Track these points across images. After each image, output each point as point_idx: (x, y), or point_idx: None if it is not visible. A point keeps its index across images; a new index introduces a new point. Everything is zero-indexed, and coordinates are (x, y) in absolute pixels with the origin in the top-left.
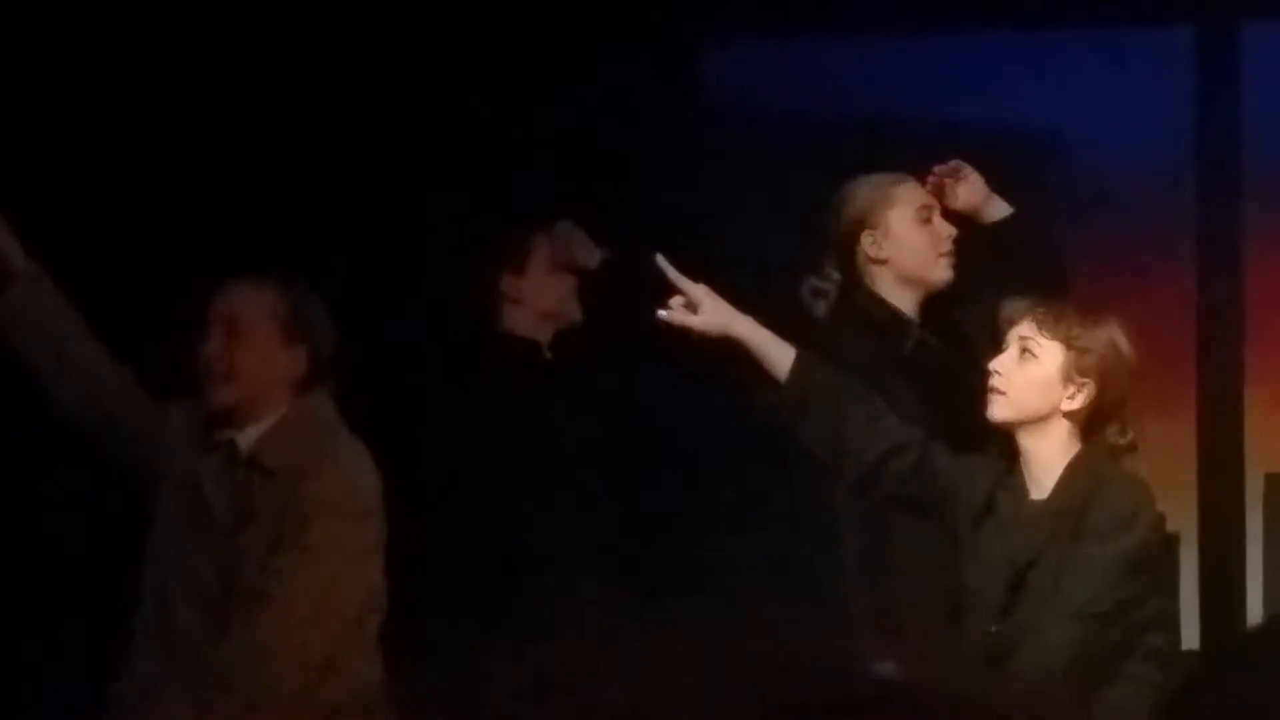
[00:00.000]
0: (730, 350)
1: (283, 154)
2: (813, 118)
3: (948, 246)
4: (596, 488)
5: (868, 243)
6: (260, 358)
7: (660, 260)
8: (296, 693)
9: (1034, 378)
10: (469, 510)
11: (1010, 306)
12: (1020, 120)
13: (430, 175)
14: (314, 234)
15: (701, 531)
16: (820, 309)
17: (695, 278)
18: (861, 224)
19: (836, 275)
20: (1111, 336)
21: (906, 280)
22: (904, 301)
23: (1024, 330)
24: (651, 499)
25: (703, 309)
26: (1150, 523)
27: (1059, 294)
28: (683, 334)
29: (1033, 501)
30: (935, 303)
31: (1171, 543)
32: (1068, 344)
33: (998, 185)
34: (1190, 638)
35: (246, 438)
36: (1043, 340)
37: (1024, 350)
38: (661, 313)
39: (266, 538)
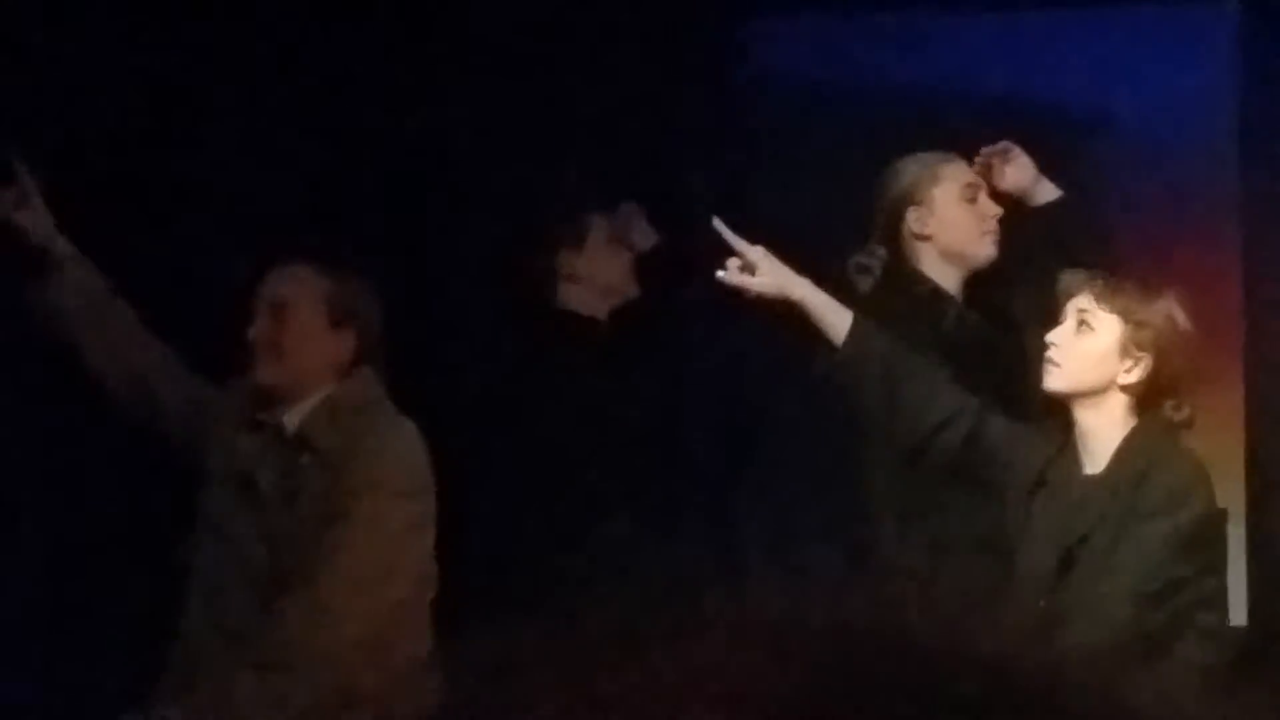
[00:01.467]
0: (787, 313)
1: (334, 134)
2: (856, 96)
3: (992, 225)
4: (652, 462)
5: (912, 218)
6: (307, 339)
7: (718, 223)
8: (346, 671)
9: (1091, 350)
10: (525, 487)
11: (1068, 279)
12: (1064, 96)
13: (487, 155)
14: (372, 213)
15: (757, 502)
16: (865, 285)
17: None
18: (907, 200)
19: (881, 252)
20: (1169, 310)
21: (950, 256)
22: (947, 278)
23: (1082, 303)
24: (707, 472)
25: (760, 271)
26: (1205, 501)
27: (1143, 288)
28: (740, 296)
29: (1086, 476)
30: (980, 282)
31: (1221, 519)
32: (1125, 317)
33: (1043, 161)
34: (1238, 614)
35: (293, 417)
36: (1100, 313)
37: (1081, 323)
38: (720, 274)
39: (314, 517)
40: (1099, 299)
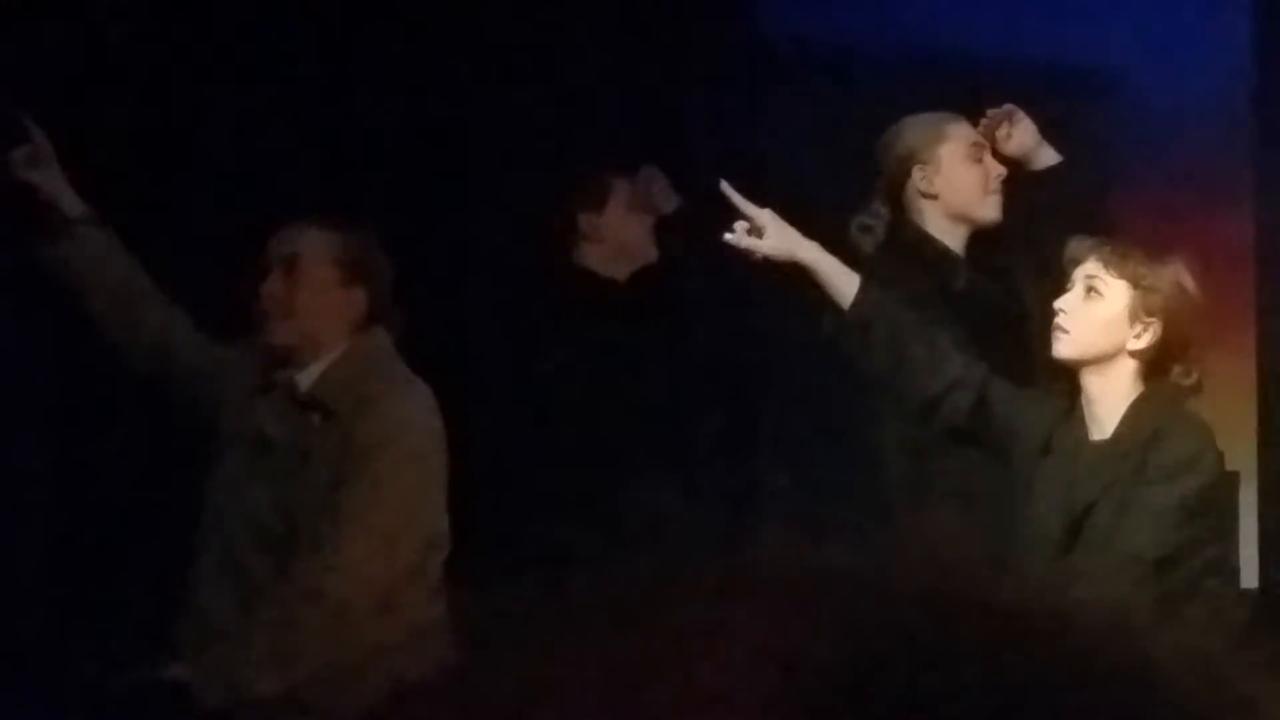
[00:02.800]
0: (795, 276)
1: (351, 93)
2: (866, 56)
3: (996, 185)
4: (666, 422)
5: (918, 177)
6: (319, 297)
7: (725, 186)
8: (357, 631)
9: (1099, 316)
10: (537, 445)
11: (1075, 245)
12: (1077, 59)
13: (507, 115)
14: (388, 170)
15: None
16: (868, 245)
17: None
18: (912, 159)
19: (884, 211)
20: (1178, 276)
21: (954, 217)
22: (951, 238)
23: (1090, 269)
24: (724, 432)
25: (768, 234)
26: (1213, 466)
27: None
28: (749, 258)
29: (1094, 442)
30: (981, 244)
31: (1231, 481)
32: (1134, 283)
33: (1054, 124)
34: (1249, 577)
35: (306, 377)
36: (1109, 279)
37: (1090, 289)
38: (727, 236)
39: (327, 476)
40: (1107, 265)
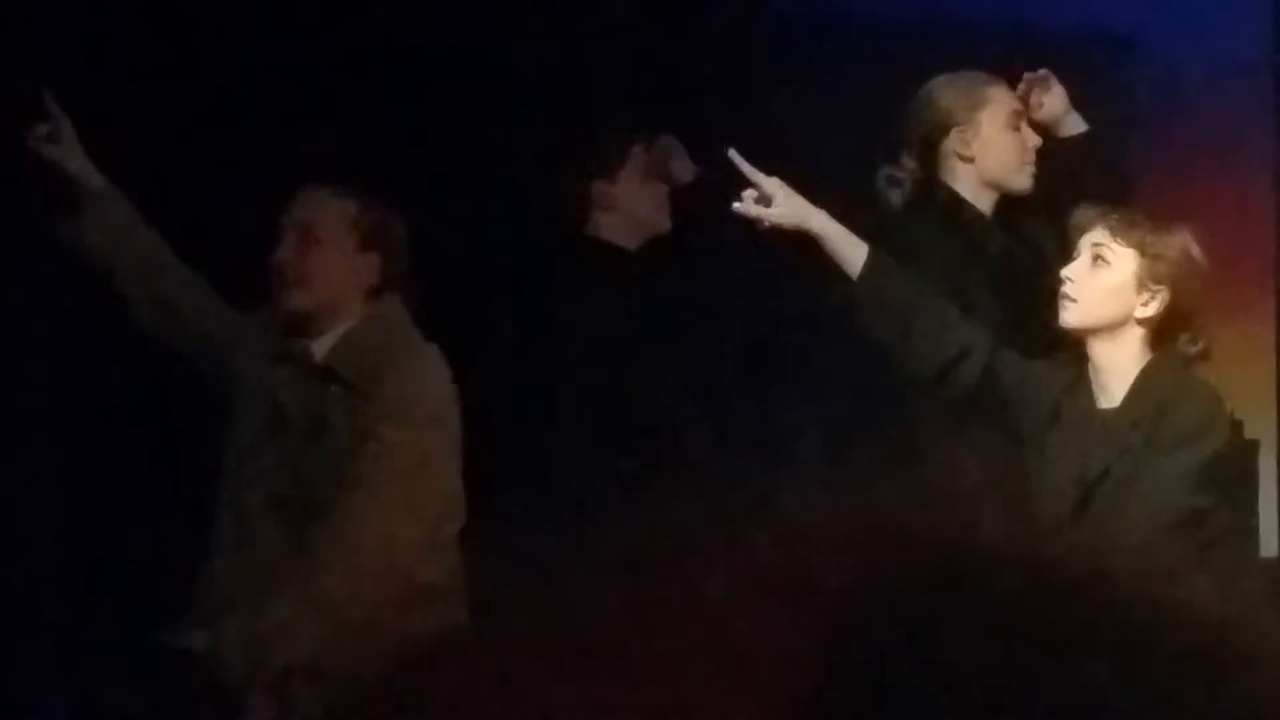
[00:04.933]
0: (804, 244)
1: (365, 59)
2: (880, 24)
3: (1032, 155)
4: (674, 393)
5: (955, 139)
6: (334, 264)
7: (733, 154)
8: (373, 598)
9: (1107, 285)
10: (549, 414)
11: (1082, 213)
12: (1095, 24)
13: (522, 84)
14: (401, 136)
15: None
16: (895, 198)
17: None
18: (951, 120)
19: (912, 165)
20: (1184, 243)
21: (988, 183)
22: (982, 203)
23: (1096, 237)
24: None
25: (776, 202)
26: (1223, 433)
27: (1157, 221)
28: (757, 227)
29: (1102, 410)
30: (1008, 210)
31: (1250, 449)
32: (1141, 251)
33: (1071, 90)
34: (1269, 546)
35: (321, 345)
36: (1116, 247)
37: (1097, 257)
38: (736, 205)
39: (342, 443)
40: (1114, 233)
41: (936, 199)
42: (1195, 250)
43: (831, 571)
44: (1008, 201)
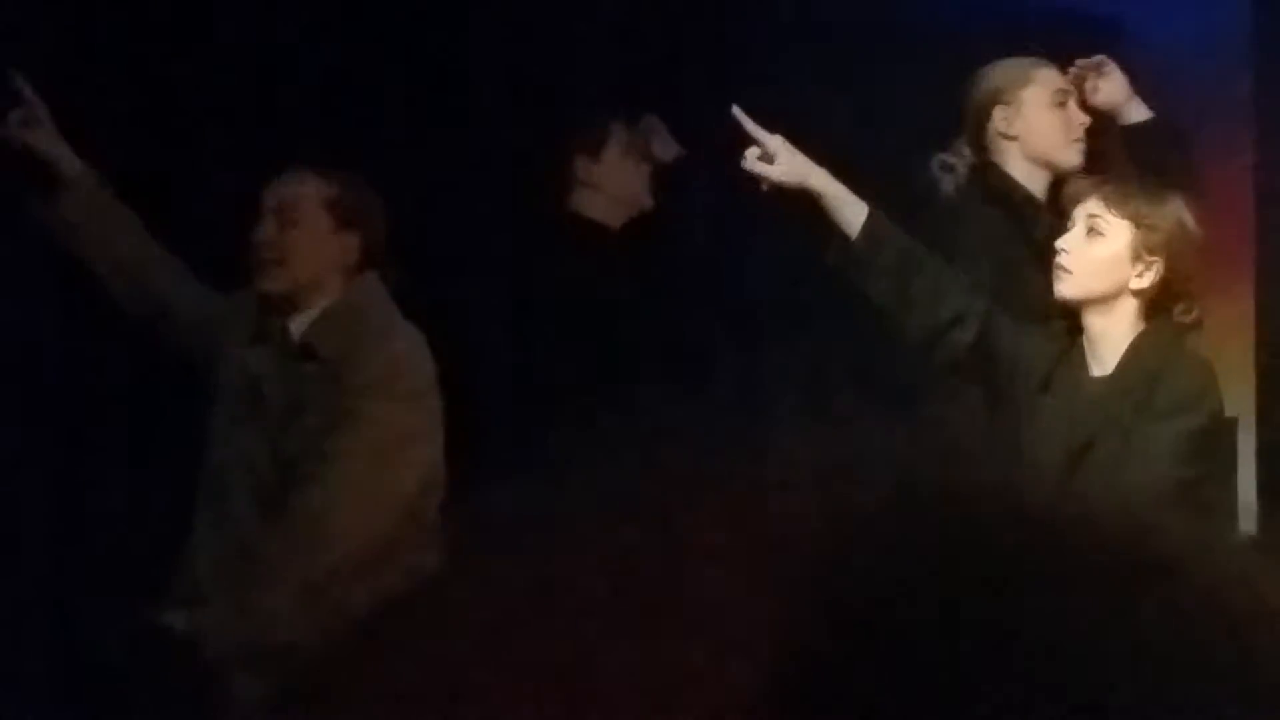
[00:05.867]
0: (804, 203)
1: (345, 35)
2: (866, 7)
3: (1079, 133)
4: (658, 367)
5: (998, 117)
6: (312, 243)
7: (737, 111)
8: (351, 574)
9: (1102, 256)
10: (530, 392)
11: (1076, 184)
12: (1079, 7)
13: (506, 61)
14: (382, 114)
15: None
16: (948, 184)
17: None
18: (995, 100)
19: (967, 152)
20: (1178, 214)
21: (1035, 160)
22: (1033, 183)
23: (1091, 208)
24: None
25: (779, 160)
26: (1214, 404)
27: (1196, 197)
28: (760, 186)
29: (1094, 378)
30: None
31: (1230, 426)
32: (1136, 222)
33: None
34: (1248, 522)
35: (299, 324)
36: (1111, 218)
37: (1091, 228)
38: (741, 163)
39: (320, 422)
40: (1109, 204)
41: (988, 180)
42: (1189, 221)
43: (825, 521)
44: (1063, 181)
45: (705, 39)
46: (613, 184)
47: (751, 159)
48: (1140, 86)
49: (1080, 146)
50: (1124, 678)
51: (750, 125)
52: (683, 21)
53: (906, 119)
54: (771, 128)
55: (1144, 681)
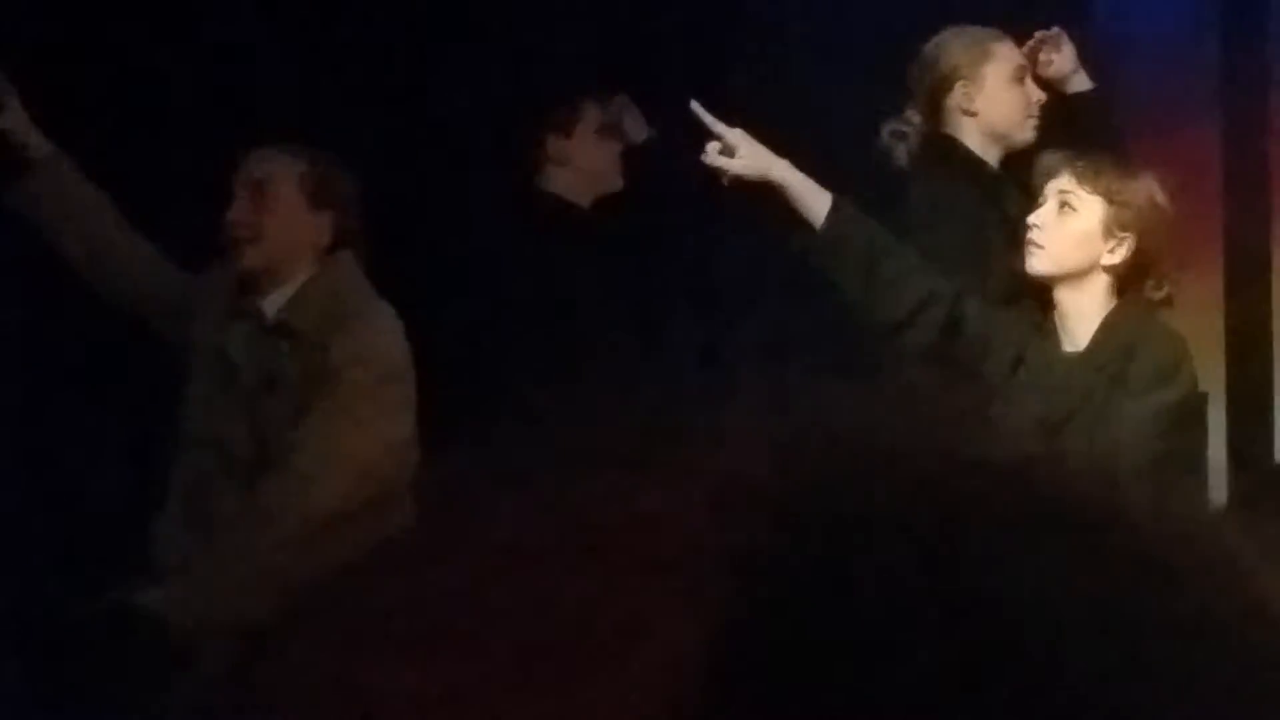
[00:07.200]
0: (767, 195)
1: (316, 17)
2: None
3: (1035, 110)
4: (630, 347)
5: (960, 93)
6: (286, 222)
7: (696, 106)
8: (324, 550)
9: (1074, 232)
10: (505, 369)
11: (1048, 159)
12: None
13: (478, 38)
14: (354, 91)
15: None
16: (900, 153)
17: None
18: (955, 75)
19: (917, 120)
20: (1150, 190)
21: (991, 136)
22: (990, 158)
23: (1063, 184)
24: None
25: (740, 153)
26: (1190, 378)
27: (1123, 168)
28: (720, 178)
29: (1067, 354)
30: (1014, 164)
31: (1201, 401)
32: (1108, 198)
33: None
34: (1220, 496)
35: (273, 302)
36: (1083, 194)
37: (1063, 204)
38: (702, 157)
39: (294, 400)
40: (1080, 180)
41: (948, 154)
42: (1160, 197)
43: (789, 482)
44: (1013, 155)
45: (677, 19)
46: (584, 163)
47: (712, 153)
48: (1109, 65)
49: (1034, 122)
50: (1088, 638)
51: (708, 119)
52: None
53: (862, 90)
54: (735, 111)
55: (1109, 644)
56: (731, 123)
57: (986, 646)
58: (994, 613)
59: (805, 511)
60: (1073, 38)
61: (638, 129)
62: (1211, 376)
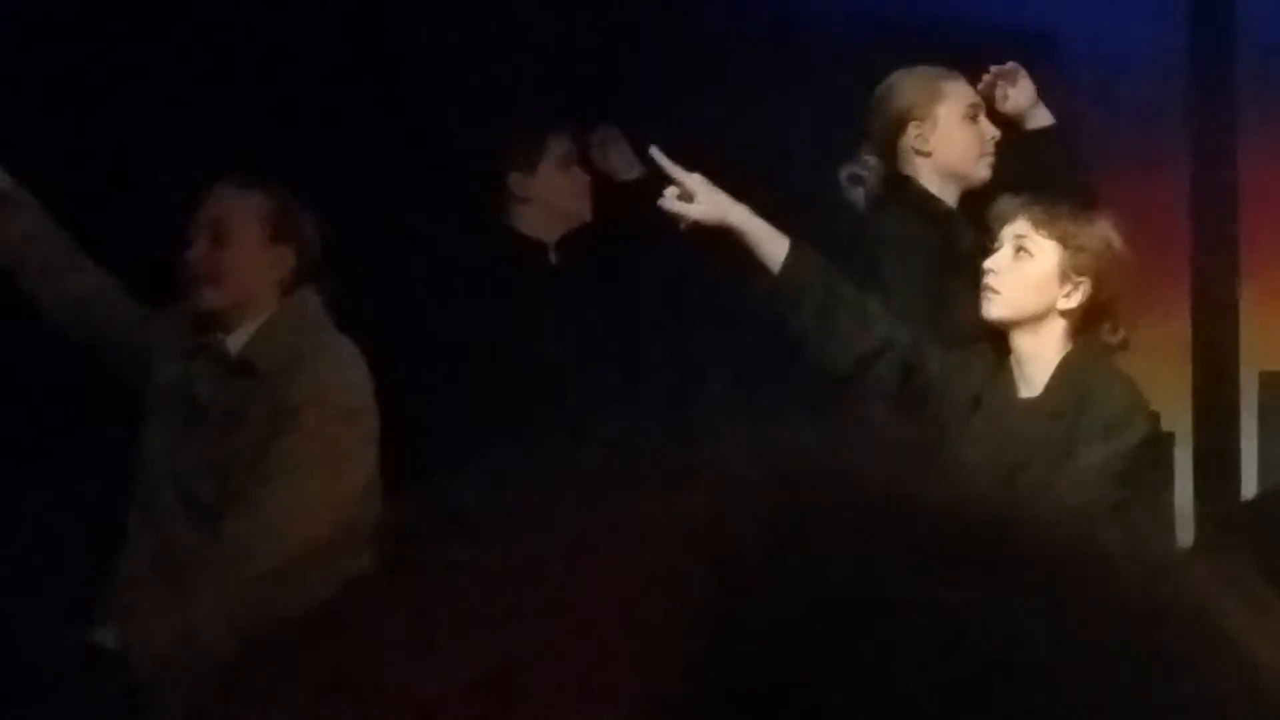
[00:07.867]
0: (725, 240)
1: (281, 50)
2: (815, 20)
3: (990, 147)
4: (593, 386)
5: (913, 134)
6: (246, 259)
7: (655, 152)
8: (284, 587)
9: (1030, 276)
10: (467, 404)
11: (1003, 204)
12: (1012, 20)
13: (441, 75)
14: (319, 128)
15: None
16: (858, 196)
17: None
18: (909, 115)
19: (874, 162)
20: (1106, 234)
21: (947, 175)
22: (947, 197)
23: (1019, 228)
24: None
25: (698, 198)
26: (1145, 424)
27: (1088, 205)
28: (679, 224)
29: (1023, 400)
30: (972, 202)
31: (1167, 442)
32: (1064, 243)
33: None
34: (1185, 536)
35: (235, 340)
36: (1038, 239)
37: (1019, 249)
38: (660, 202)
39: (256, 438)
40: (1036, 225)
41: (906, 194)
42: (1116, 241)
43: (752, 516)
44: (971, 193)
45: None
46: (549, 198)
47: (670, 198)
48: (1076, 101)
49: (989, 160)
50: (1055, 679)
51: (667, 164)
52: (625, 36)
53: (819, 132)
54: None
55: (1075, 684)
56: (691, 167)
57: (956, 684)
58: (958, 651)
59: (782, 560)
60: (1039, 74)
61: (625, 164)
62: (1178, 418)
